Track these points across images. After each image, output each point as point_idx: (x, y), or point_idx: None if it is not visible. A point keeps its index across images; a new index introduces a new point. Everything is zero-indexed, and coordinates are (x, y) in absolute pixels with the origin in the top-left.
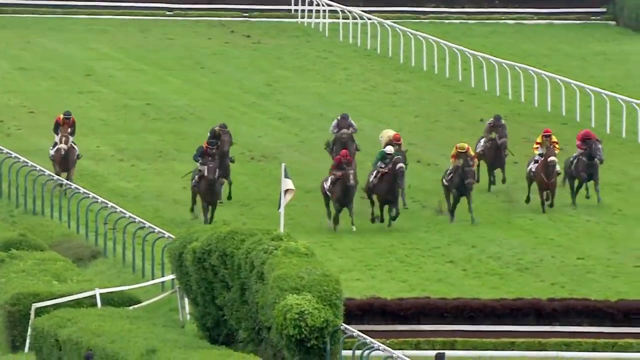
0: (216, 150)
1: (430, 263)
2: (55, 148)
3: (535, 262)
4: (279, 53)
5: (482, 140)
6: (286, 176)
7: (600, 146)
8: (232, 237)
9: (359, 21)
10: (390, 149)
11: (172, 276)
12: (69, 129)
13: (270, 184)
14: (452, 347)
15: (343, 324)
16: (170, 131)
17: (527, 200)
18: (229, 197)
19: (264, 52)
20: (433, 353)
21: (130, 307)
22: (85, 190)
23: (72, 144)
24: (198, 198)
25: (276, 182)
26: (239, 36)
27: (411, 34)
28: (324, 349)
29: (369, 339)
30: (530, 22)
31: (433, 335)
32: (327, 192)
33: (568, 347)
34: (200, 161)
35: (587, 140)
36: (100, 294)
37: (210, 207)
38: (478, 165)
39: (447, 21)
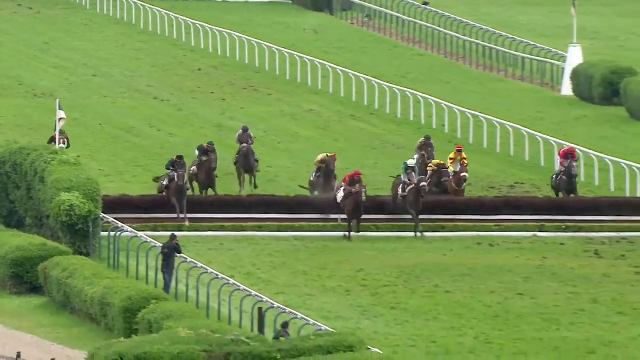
0: (204, 167)
1: (165, 170)
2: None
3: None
4: (54, 20)
5: (415, 157)
6: (60, 108)
7: (575, 164)
8: (21, 152)
9: None
10: (411, 162)
11: None
12: (62, 139)
13: (48, 113)
14: (180, 229)
15: (102, 214)
16: None
17: None
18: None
19: (42, 20)
20: (166, 233)
21: None
22: None
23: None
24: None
25: (52, 112)
26: (24, 8)
27: (149, 7)
28: (87, 231)
29: (120, 224)
30: (233, 1)
31: (166, 221)
32: (340, 205)
33: (260, 229)
34: (170, 169)
35: (569, 156)
36: None
37: (179, 206)
38: None
39: None
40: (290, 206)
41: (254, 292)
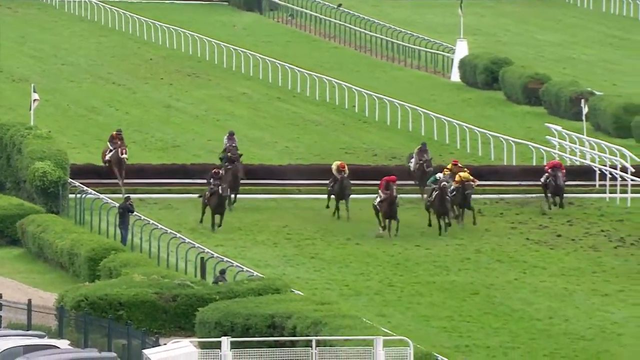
0: (231, 171)
1: None
2: (112, 153)
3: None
4: (30, 18)
5: (412, 161)
6: (34, 91)
7: (560, 175)
8: (2, 127)
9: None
10: (439, 175)
11: None
12: (119, 142)
13: (24, 95)
14: (135, 192)
15: (70, 179)
16: None
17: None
18: (234, 202)
19: (19, 17)
20: (122, 196)
21: None
22: None
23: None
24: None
25: (28, 94)
26: (4, 7)
27: (109, 7)
28: (58, 194)
29: (85, 187)
30: (179, 2)
31: (124, 185)
32: (377, 207)
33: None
34: (212, 182)
35: (555, 169)
36: None
37: (218, 215)
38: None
39: (135, 0)
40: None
41: (197, 245)
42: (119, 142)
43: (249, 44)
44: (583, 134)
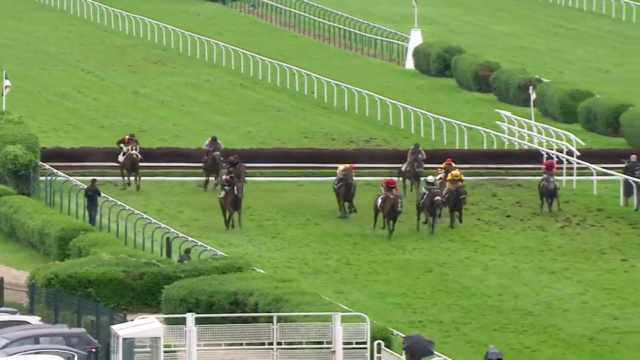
0: (234, 174)
1: (90, 127)
2: (127, 155)
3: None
4: (3, 9)
5: (406, 163)
6: (6, 78)
7: (552, 172)
8: None
9: None
10: (431, 178)
11: None
12: (133, 145)
13: None
14: (103, 175)
15: (40, 162)
16: None
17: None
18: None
19: None
20: (89, 178)
21: None
22: None
23: (137, 154)
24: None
25: (0, 81)
26: None
27: None
28: (29, 176)
29: (55, 170)
30: None
31: (92, 168)
32: (379, 208)
33: (168, 175)
34: (226, 186)
35: (549, 168)
36: None
37: (236, 213)
38: (404, 180)
39: None
40: (191, 156)
41: (163, 225)
42: (131, 145)
43: (212, 33)
44: (531, 119)
